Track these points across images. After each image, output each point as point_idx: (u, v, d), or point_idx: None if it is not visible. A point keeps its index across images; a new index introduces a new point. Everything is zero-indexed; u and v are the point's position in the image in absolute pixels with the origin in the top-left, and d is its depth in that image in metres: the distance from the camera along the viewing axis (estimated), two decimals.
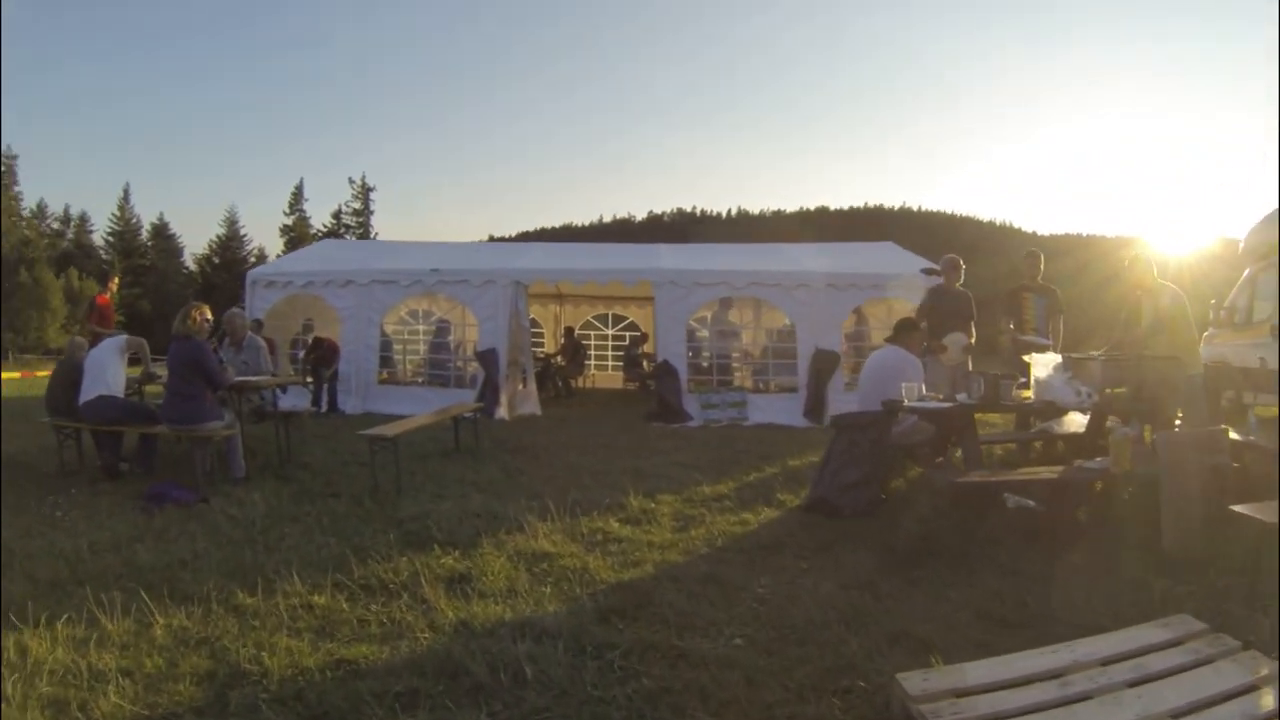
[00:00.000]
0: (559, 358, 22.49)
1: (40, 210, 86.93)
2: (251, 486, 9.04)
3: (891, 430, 8.55)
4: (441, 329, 18.70)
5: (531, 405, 16.68)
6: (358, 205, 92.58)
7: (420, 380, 18.46)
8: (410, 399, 16.57)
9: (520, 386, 17.02)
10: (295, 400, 16.19)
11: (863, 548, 6.64)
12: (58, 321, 69.16)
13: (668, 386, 15.54)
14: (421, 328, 19.90)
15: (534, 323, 25.81)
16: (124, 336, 10.26)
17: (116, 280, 15.68)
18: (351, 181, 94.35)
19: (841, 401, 15.41)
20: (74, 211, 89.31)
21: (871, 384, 8.98)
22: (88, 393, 9.56)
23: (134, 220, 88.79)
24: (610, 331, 26.77)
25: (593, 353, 26.27)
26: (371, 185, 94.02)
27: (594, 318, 26.75)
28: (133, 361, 10.37)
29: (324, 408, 16.16)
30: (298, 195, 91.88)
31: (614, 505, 8.17)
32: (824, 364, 15.81)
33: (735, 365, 17.76)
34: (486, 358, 15.95)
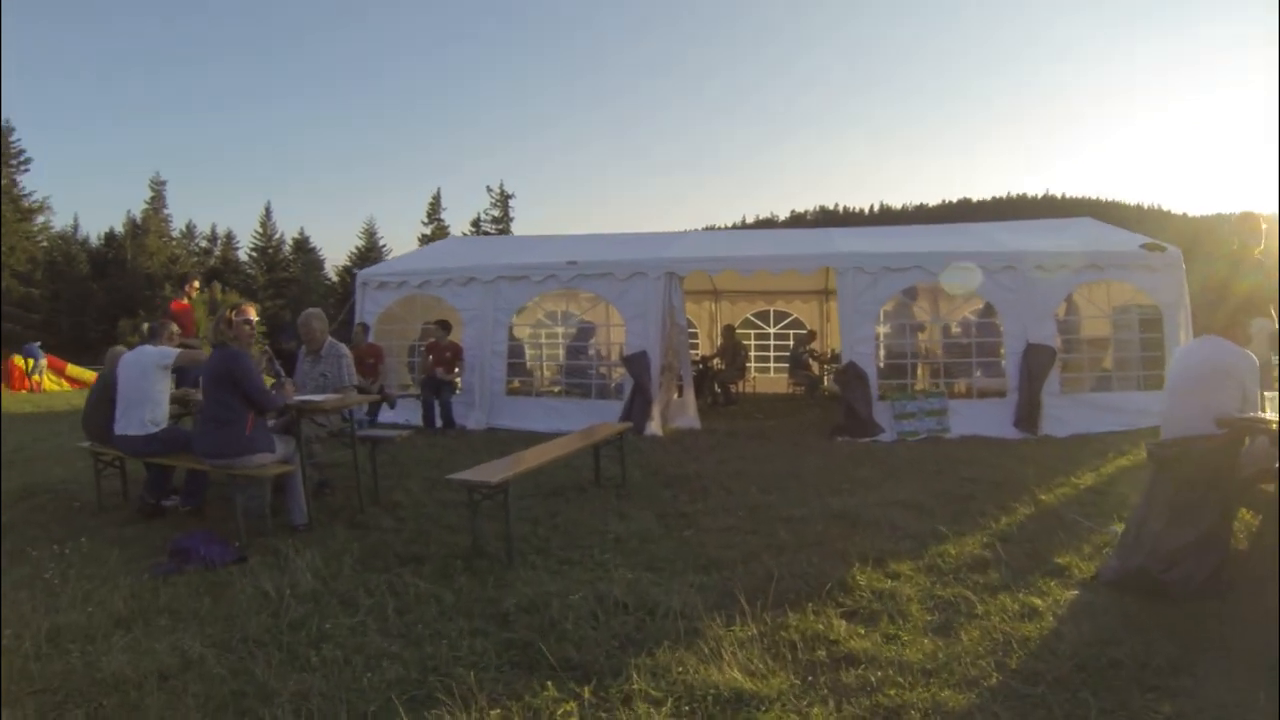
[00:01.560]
0: (717, 360, 20.07)
1: (189, 230, 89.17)
2: (312, 539, 7.11)
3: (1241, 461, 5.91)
4: (583, 331, 16.45)
5: (689, 418, 14.35)
6: (496, 213, 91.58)
7: (557, 390, 16.22)
8: (544, 412, 14.52)
9: (675, 396, 14.69)
10: (409, 415, 14.22)
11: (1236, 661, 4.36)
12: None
13: (857, 394, 12.98)
14: (560, 330, 17.52)
15: (688, 322, 23.69)
16: (173, 349, 8.16)
17: (196, 284, 14.19)
18: (489, 189, 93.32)
19: (1057, 406, 13.01)
20: (220, 230, 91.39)
21: (1187, 393, 6.28)
22: (123, 419, 7.77)
23: (276, 235, 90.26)
24: (772, 330, 24.04)
25: (752, 354, 23.58)
26: (510, 192, 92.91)
27: (753, 315, 24.06)
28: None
29: (438, 424, 14.05)
30: (436, 204, 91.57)
31: (833, 585, 5.74)
32: (1038, 362, 13.05)
33: (926, 364, 15.06)
34: (636, 363, 13.64)
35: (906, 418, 12.89)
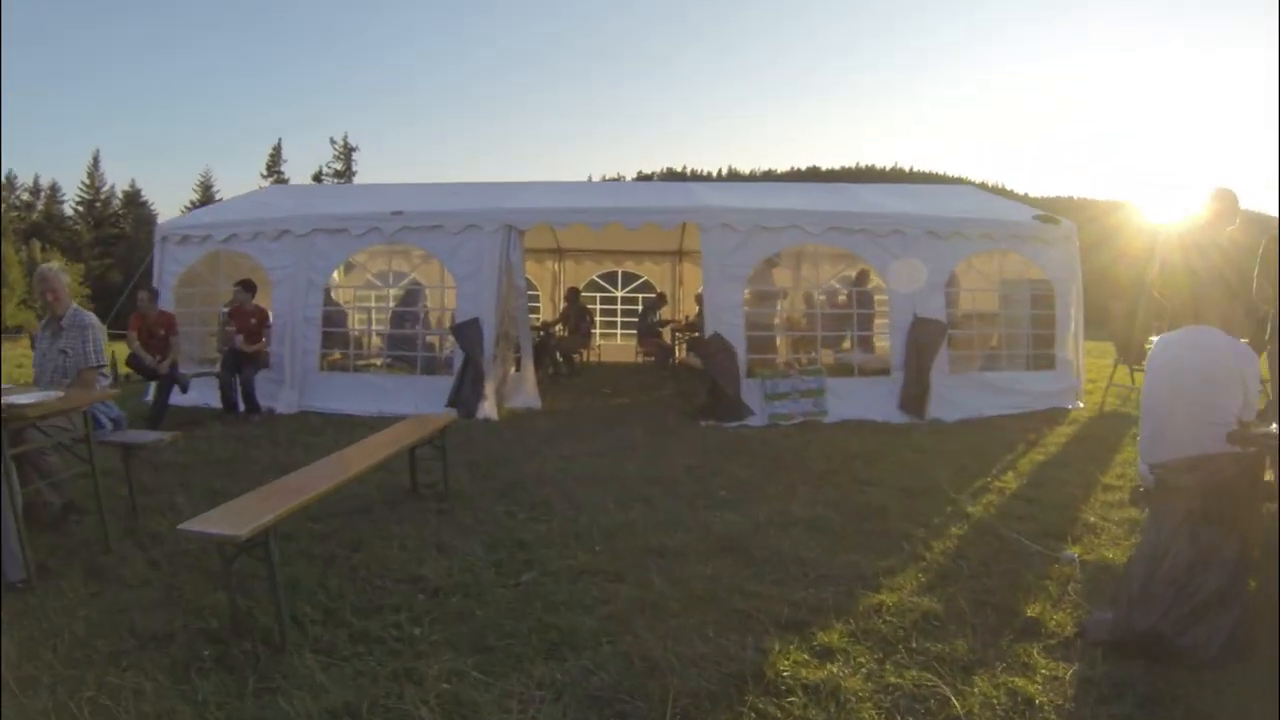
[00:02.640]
0: (560, 326, 18.12)
1: (9, 182, 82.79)
2: (28, 605, 4.93)
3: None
4: (411, 294, 14.29)
5: (528, 396, 12.42)
6: (339, 166, 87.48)
7: (380, 363, 13.92)
8: (365, 390, 12.33)
9: (512, 370, 12.72)
10: (208, 397, 11.89)
11: None
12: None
13: (724, 370, 11.22)
14: (390, 292, 15.15)
15: (528, 283, 21.63)
16: None
17: None
18: (333, 141, 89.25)
19: (946, 386, 11.73)
20: (44, 182, 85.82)
21: (1189, 399, 4.71)
22: None
23: (104, 188, 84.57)
24: (619, 293, 22.34)
25: (598, 319, 21.74)
26: (354, 145, 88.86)
27: (599, 276, 22.24)
28: None
29: (241, 407, 11.68)
30: (276, 157, 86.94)
31: (748, 682, 3.94)
32: (927, 337, 11.64)
33: (788, 337, 13.34)
34: (467, 333, 11.64)
35: (779, 398, 11.22)
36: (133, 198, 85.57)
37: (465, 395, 11.39)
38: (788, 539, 5.95)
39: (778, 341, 12.96)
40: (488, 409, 11.40)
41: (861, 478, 7.89)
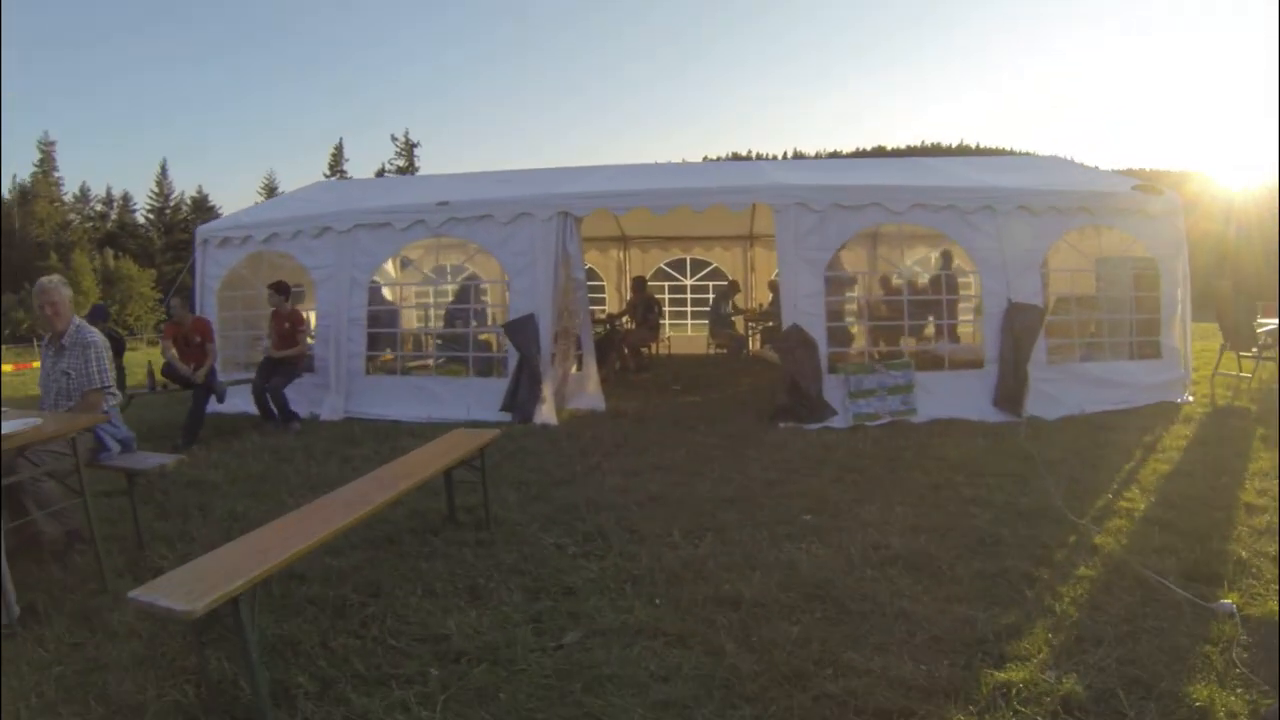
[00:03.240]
0: (626, 319, 17.17)
1: (84, 194, 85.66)
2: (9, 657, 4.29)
3: None
4: (466, 290, 13.44)
5: (591, 396, 11.52)
6: (401, 163, 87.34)
7: (433, 364, 12.86)
8: (412, 394, 11.56)
9: (574, 369, 11.82)
10: (250, 404, 11.17)
11: None
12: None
13: (804, 366, 10.21)
14: (434, 289, 14.45)
15: (591, 274, 20.62)
16: None
17: None
18: (394, 138, 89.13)
19: (1045, 380, 10.65)
20: (116, 192, 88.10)
21: None
22: None
23: (173, 195, 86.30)
24: (689, 281, 21.33)
25: (667, 309, 20.94)
26: (415, 140, 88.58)
27: (666, 264, 21.18)
28: None
29: (275, 417, 10.89)
30: (338, 156, 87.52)
31: None
32: (1024, 324, 10.54)
33: (863, 326, 12.22)
34: (521, 331, 10.77)
35: (863, 396, 10.19)
36: (200, 203, 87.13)
37: (521, 399, 10.55)
38: (887, 583, 4.95)
39: (853, 331, 11.93)
40: (545, 413, 10.54)
41: (965, 495, 6.85)
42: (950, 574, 5.11)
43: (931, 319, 12.73)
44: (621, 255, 20.33)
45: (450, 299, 13.95)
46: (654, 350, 17.83)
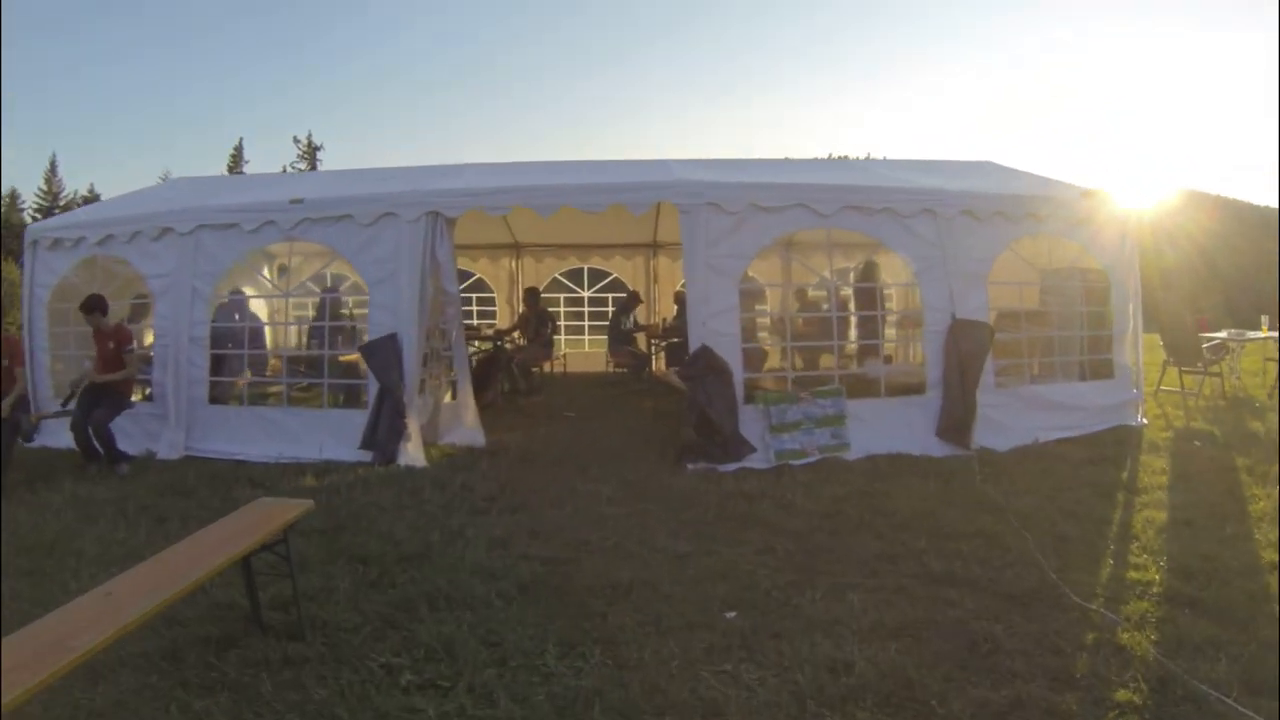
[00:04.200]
0: (515, 335, 15.47)
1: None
2: None
3: None
4: (329, 301, 11.55)
5: (468, 430, 9.84)
6: (303, 166, 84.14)
7: (284, 391, 10.65)
8: (261, 428, 9.73)
9: (448, 396, 10.14)
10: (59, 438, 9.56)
11: None
12: None
13: (715, 396, 8.61)
14: (288, 303, 12.36)
15: (479, 284, 18.92)
16: None
17: None
18: (296, 140, 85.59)
19: (992, 405, 9.35)
20: (3, 190, 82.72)
21: None
22: None
23: (63, 194, 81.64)
24: (587, 293, 19.59)
25: (563, 322, 19.29)
26: (318, 143, 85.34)
27: (562, 274, 19.43)
28: None
29: (100, 456, 9.04)
30: (237, 158, 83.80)
31: None
32: (971, 344, 9.14)
33: (774, 348, 10.70)
34: (380, 352, 9.04)
35: (787, 430, 8.67)
36: (93, 201, 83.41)
37: (381, 436, 8.81)
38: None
39: (767, 351, 10.47)
40: (411, 453, 8.84)
41: (934, 569, 5.35)
42: (944, 712, 3.57)
43: (857, 337, 11.25)
44: (513, 264, 18.50)
45: (312, 314, 12.09)
46: (548, 369, 16.24)
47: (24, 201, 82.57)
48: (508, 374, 14.08)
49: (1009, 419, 9.34)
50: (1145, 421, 10.31)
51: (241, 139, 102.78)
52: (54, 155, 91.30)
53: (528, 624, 4.64)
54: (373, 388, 9.15)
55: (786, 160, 12.18)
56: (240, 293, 11.21)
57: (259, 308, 11.55)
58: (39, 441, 10.29)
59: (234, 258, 10.12)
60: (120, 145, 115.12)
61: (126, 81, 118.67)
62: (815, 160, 12.52)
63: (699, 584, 5.20)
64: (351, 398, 10.16)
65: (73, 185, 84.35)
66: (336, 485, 7.93)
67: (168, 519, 7.02)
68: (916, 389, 9.46)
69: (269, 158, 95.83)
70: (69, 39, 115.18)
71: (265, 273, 11.27)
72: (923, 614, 4.63)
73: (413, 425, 8.96)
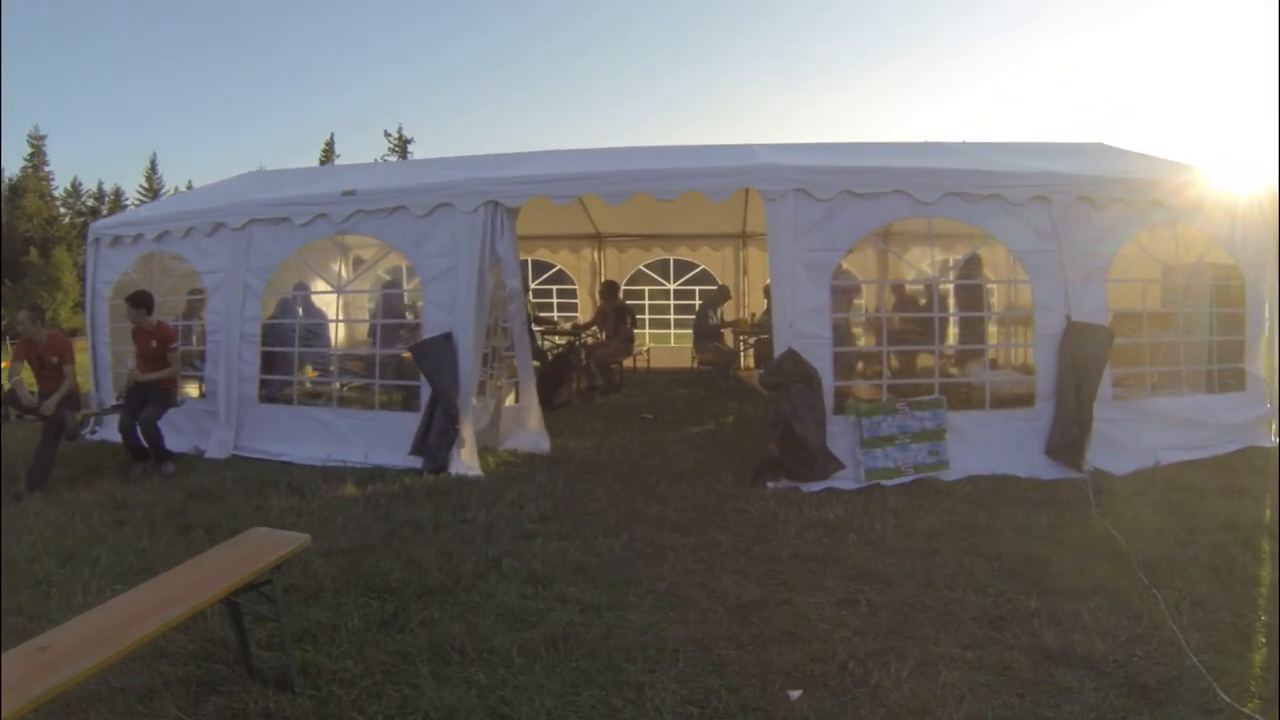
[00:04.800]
0: (593, 330, 14.70)
1: (74, 189, 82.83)
2: None
3: None
4: (388, 299, 10.78)
5: (532, 434, 9.17)
6: (394, 159, 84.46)
7: (339, 392, 10.09)
8: (311, 429, 9.22)
9: (510, 399, 9.43)
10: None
11: None
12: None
13: (801, 405, 7.69)
14: (342, 299, 11.20)
15: (560, 276, 18.24)
16: None
17: None
18: (387, 134, 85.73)
19: (1109, 420, 8.28)
20: (108, 187, 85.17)
21: None
22: None
23: (163, 190, 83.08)
24: (673, 286, 18.62)
25: (647, 316, 18.39)
26: (409, 136, 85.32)
27: (646, 266, 18.42)
28: None
29: (147, 455, 8.73)
30: (329, 152, 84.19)
31: None
32: (1088, 350, 8.09)
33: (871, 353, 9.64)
34: (432, 353, 8.36)
35: (880, 444, 7.76)
36: None
37: (432, 442, 8.11)
38: None
39: (863, 355, 9.52)
40: (465, 460, 8.14)
41: (1048, 642, 4.38)
42: None
43: (958, 340, 10.22)
44: (595, 255, 17.74)
45: (367, 309, 11.42)
46: (630, 365, 15.45)
47: (127, 198, 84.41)
48: (585, 371, 13.40)
49: (1127, 436, 8.27)
50: (1278, 441, 9.08)
51: (333, 133, 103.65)
52: (154, 154, 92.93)
53: (547, 693, 3.87)
54: (425, 390, 8.45)
55: (879, 144, 11.06)
56: (305, 287, 10.57)
57: (330, 303, 10.87)
58: (100, 435, 10.12)
59: (286, 252, 9.56)
60: (219, 140, 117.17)
61: (209, 77, 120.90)
62: (908, 143, 11.28)
63: (762, 647, 4.35)
64: (405, 399, 9.46)
65: (172, 181, 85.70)
66: (377, 496, 7.29)
67: (193, 528, 6.61)
68: (1024, 400, 8.43)
69: (361, 151, 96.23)
70: (166, 30, 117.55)
71: (338, 266, 10.55)
72: (1031, 709, 3.73)
73: (467, 431, 8.26)
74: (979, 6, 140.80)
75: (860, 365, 9.51)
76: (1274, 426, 9.27)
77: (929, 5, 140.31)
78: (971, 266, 10.21)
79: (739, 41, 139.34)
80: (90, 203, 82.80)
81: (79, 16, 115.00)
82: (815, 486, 7.44)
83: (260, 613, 4.27)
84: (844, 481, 7.58)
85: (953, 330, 10.28)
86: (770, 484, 7.50)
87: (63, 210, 78.79)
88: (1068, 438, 7.96)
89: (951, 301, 10.09)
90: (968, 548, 5.83)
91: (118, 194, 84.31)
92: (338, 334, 11.06)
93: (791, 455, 7.56)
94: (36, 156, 77.65)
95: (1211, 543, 5.94)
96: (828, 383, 7.84)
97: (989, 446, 8.06)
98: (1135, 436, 8.33)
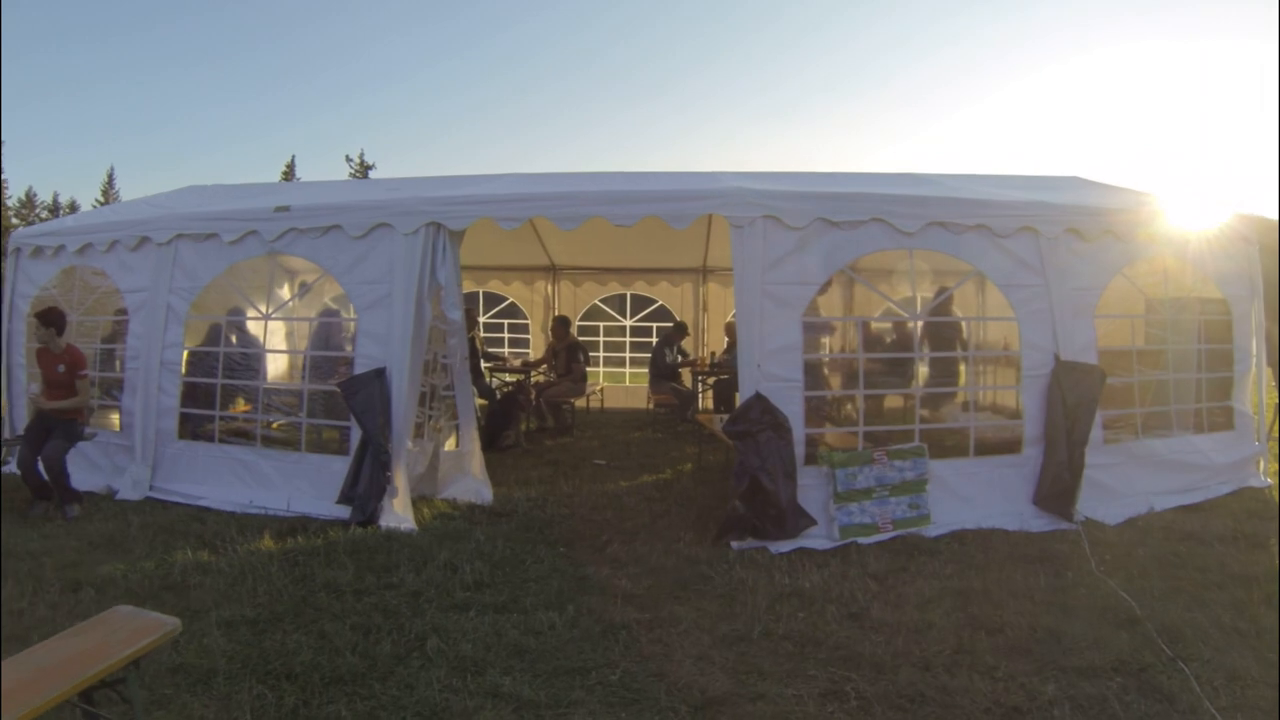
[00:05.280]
0: (544, 369, 13.92)
1: (29, 199, 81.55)
2: None
3: None
4: (325, 328, 9.95)
5: (474, 481, 8.35)
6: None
7: (269, 432, 9.12)
8: (233, 472, 8.40)
9: (451, 442, 8.66)
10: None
11: None
12: None
13: (771, 456, 6.91)
14: (284, 327, 10.39)
15: (512, 309, 17.37)
16: None
17: None
18: (348, 159, 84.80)
19: (1099, 465, 7.68)
20: (63, 199, 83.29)
21: None
22: None
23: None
24: (629, 322, 17.82)
25: (601, 353, 17.65)
26: (371, 163, 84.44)
27: (602, 300, 17.63)
28: None
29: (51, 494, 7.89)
30: (289, 174, 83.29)
31: None
32: (1080, 392, 7.48)
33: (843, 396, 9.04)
34: (362, 390, 7.55)
35: (856, 498, 7.02)
36: None
37: (362, 490, 7.30)
38: None
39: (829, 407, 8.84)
40: (397, 512, 7.32)
41: None
42: None
43: (933, 382, 9.51)
44: (550, 289, 16.92)
45: (306, 340, 10.52)
46: (584, 405, 14.70)
47: (83, 210, 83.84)
48: (535, 411, 12.62)
49: (1118, 481, 7.74)
50: (1270, 482, 8.62)
51: (294, 156, 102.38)
52: (111, 168, 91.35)
53: None
54: (355, 432, 7.65)
55: (854, 174, 10.34)
56: (240, 312, 9.67)
57: (265, 331, 9.95)
58: (10, 468, 9.02)
59: (213, 272, 8.69)
60: (182, 158, 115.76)
61: (187, 91, 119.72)
62: (885, 174, 10.55)
63: None
64: (337, 441, 8.59)
65: (130, 196, 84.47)
66: (296, 553, 6.47)
67: (84, 585, 5.77)
68: (1010, 446, 7.75)
69: (322, 175, 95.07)
70: (129, 46, 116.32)
71: (282, 289, 9.67)
72: None
73: (400, 479, 7.46)
74: (930, 52, 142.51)
75: (832, 410, 8.82)
76: (1263, 466, 8.85)
77: (880, 48, 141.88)
78: (946, 304, 9.54)
79: (699, 79, 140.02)
80: (44, 215, 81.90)
81: (42, 30, 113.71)
82: (785, 546, 6.68)
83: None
84: (816, 540, 6.83)
85: (925, 371, 9.58)
86: (735, 544, 6.73)
87: (15, 221, 78.08)
88: (1059, 485, 7.33)
89: (926, 342, 9.39)
90: (965, 619, 5.11)
91: (73, 206, 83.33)
92: (267, 366, 10.13)
93: (759, 512, 6.78)
94: None
95: (1230, 601, 5.36)
96: (798, 431, 7.08)
97: (973, 497, 7.46)
98: (1127, 481, 7.82)
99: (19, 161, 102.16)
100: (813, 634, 4.93)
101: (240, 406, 9.29)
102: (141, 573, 5.99)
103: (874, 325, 10.28)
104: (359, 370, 7.69)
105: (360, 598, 5.53)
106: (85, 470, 8.34)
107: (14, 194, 79.59)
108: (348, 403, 7.52)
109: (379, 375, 7.51)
